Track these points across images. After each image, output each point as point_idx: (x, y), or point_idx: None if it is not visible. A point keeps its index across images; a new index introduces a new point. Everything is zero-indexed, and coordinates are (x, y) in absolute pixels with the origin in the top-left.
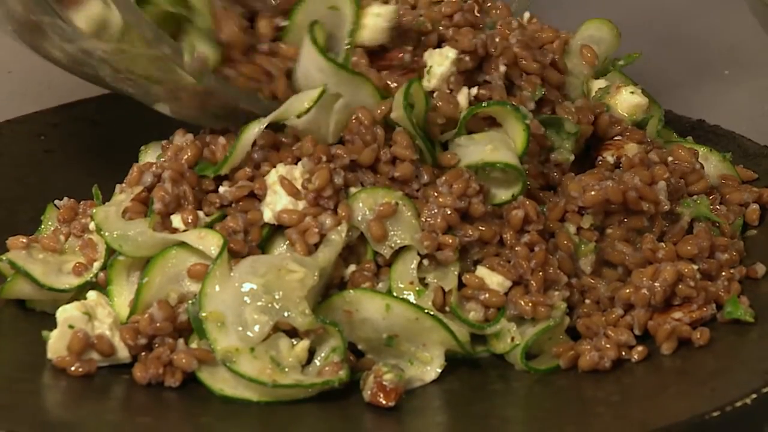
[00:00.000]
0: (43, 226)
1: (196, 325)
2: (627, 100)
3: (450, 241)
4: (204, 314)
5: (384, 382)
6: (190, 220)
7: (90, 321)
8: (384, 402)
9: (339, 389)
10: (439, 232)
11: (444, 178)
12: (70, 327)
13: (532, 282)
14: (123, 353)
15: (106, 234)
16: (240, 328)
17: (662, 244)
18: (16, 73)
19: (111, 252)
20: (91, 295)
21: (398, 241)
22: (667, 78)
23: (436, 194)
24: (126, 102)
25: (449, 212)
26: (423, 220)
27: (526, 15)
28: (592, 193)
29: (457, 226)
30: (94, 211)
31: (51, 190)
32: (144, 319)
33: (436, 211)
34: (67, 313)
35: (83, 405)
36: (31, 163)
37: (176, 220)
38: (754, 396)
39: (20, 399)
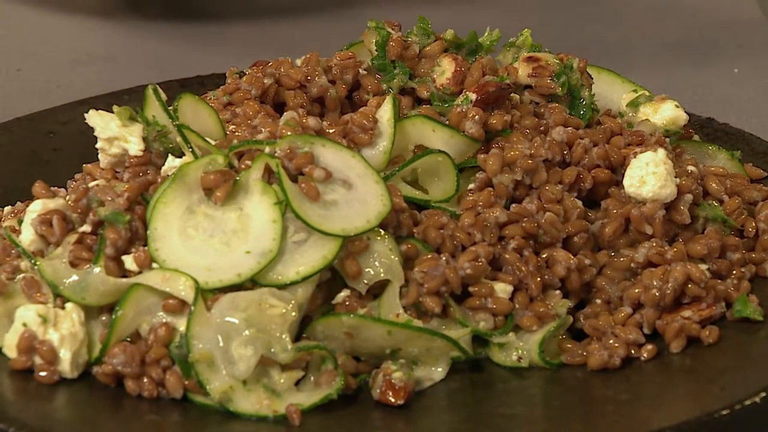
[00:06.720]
0: None
1: (183, 368)
2: (669, 111)
3: (433, 304)
4: (195, 356)
5: (393, 381)
6: (143, 261)
7: (44, 325)
8: (393, 400)
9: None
10: (426, 293)
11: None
12: (24, 325)
13: (531, 285)
14: (66, 367)
15: (61, 288)
16: (228, 365)
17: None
18: (24, 71)
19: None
20: (69, 306)
21: (375, 277)
22: (676, 76)
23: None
24: (136, 100)
25: (452, 277)
26: (418, 273)
27: None
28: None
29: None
30: (39, 265)
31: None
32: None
33: (437, 275)
34: (25, 312)
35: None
36: (41, 161)
37: (128, 261)
38: (763, 394)
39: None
